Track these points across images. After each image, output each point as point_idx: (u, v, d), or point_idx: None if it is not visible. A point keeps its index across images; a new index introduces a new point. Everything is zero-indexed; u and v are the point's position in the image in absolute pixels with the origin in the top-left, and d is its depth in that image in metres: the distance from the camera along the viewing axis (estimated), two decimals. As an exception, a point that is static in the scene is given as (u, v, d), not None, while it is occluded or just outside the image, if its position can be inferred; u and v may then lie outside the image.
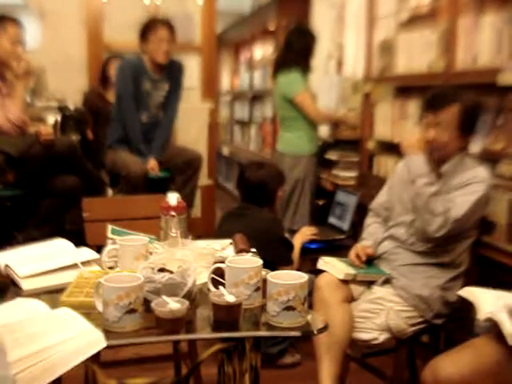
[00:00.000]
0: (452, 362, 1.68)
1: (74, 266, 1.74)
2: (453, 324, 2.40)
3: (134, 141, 3.86)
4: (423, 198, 2.24)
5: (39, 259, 1.80)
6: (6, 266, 1.77)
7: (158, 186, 3.71)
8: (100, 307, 1.43)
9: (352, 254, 2.45)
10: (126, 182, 3.75)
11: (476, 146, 2.55)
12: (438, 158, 2.33)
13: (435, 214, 2.20)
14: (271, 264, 1.78)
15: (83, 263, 1.76)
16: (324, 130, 4.37)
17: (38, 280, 1.69)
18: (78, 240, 2.10)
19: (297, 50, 3.96)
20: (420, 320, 2.30)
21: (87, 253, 1.88)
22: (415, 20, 3.25)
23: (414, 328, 2.29)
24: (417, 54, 3.17)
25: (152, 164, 3.81)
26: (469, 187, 2.23)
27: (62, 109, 4.52)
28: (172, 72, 3.97)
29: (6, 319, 1.39)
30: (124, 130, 3.88)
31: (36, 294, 1.61)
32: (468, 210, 2.20)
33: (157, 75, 3.90)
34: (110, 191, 4.07)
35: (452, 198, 2.22)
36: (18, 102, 3.47)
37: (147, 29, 3.83)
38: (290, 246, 3.00)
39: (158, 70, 3.89)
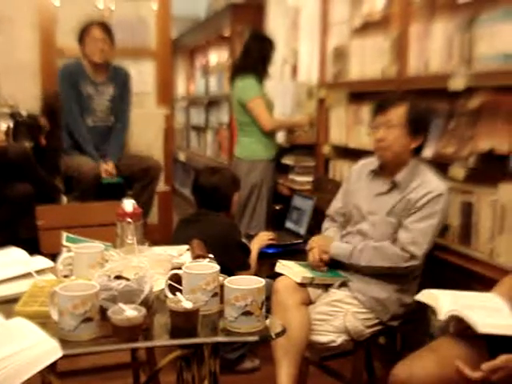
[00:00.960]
0: (418, 368, 1.67)
1: (28, 274, 1.71)
2: (409, 325, 2.45)
3: (83, 144, 3.89)
4: (372, 259, 2.30)
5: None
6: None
7: (112, 193, 3.68)
8: (55, 316, 1.40)
9: (312, 256, 2.45)
10: (78, 184, 3.73)
11: (429, 150, 2.60)
12: (388, 160, 2.37)
13: (393, 258, 2.26)
14: (228, 269, 1.78)
15: (37, 272, 1.73)
16: (280, 136, 4.40)
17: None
18: (33, 248, 2.07)
19: (254, 56, 3.99)
20: (377, 322, 2.33)
21: (41, 261, 1.85)
22: (368, 27, 3.31)
23: (370, 330, 2.32)
24: (370, 60, 3.22)
25: (107, 166, 3.80)
26: (427, 208, 2.25)
27: (14, 115, 4.43)
28: (117, 77, 4.05)
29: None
30: (71, 134, 3.93)
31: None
32: (432, 235, 2.26)
33: (98, 78, 3.97)
34: (64, 198, 4.01)
35: (412, 225, 2.25)
36: None
37: (83, 32, 3.99)
38: (247, 251, 3.01)
39: (98, 73, 3.98)
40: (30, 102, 4.68)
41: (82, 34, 3.99)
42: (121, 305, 1.41)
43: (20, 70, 4.76)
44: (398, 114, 2.30)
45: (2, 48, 4.87)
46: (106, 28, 4.01)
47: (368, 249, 2.32)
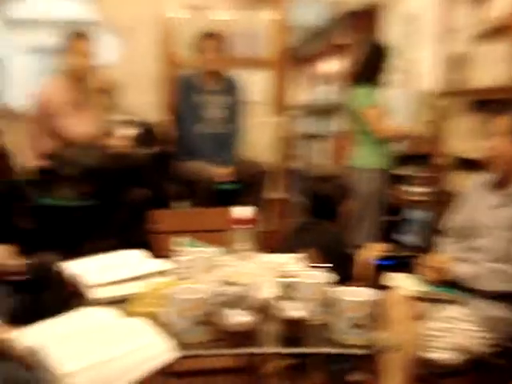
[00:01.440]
0: None
1: (144, 276, 1.77)
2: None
3: (196, 151, 3.99)
4: None
5: (109, 269, 1.83)
6: (76, 275, 1.81)
7: (226, 199, 3.74)
8: (169, 318, 1.44)
9: (430, 274, 2.36)
10: (192, 190, 3.83)
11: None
12: (501, 170, 2.26)
13: None
14: (337, 280, 1.75)
15: (152, 274, 1.78)
16: (396, 145, 4.30)
17: (107, 289, 1.72)
18: (146, 251, 2.13)
19: (371, 65, 3.96)
20: (493, 342, 2.20)
21: (157, 264, 1.90)
22: (491, 32, 3.16)
23: (487, 350, 2.20)
24: (493, 67, 3.07)
25: (221, 172, 3.87)
26: None
27: (136, 122, 4.63)
28: (230, 86, 4.15)
29: (74, 328, 1.42)
30: (185, 142, 4.05)
31: (105, 303, 1.64)
32: None
33: (212, 88, 4.08)
34: (178, 204, 4.13)
35: None
36: (93, 117, 3.59)
37: (199, 42, 4.10)
38: (352, 262, 2.95)
39: (212, 82, 4.08)
40: (150, 110, 4.89)
41: (198, 45, 4.12)
42: (232, 310, 1.42)
43: (142, 80, 4.98)
44: (509, 122, 2.20)
45: (126, 59, 5.13)
46: (219, 38, 4.13)
47: (494, 272, 2.21)
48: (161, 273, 1.85)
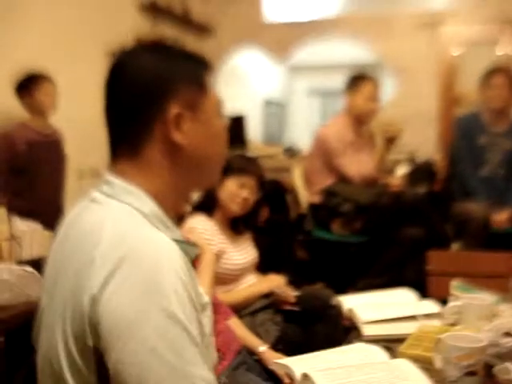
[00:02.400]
0: None
1: (414, 317, 1.74)
2: None
3: (473, 194, 3.79)
4: None
5: (381, 307, 1.84)
6: (350, 309, 1.85)
7: (502, 243, 3.50)
8: (439, 364, 1.39)
9: None
10: (466, 231, 3.65)
11: None
12: None
13: None
14: None
15: (424, 316, 1.74)
16: None
17: (378, 327, 1.73)
18: (418, 291, 2.09)
19: None
20: None
21: (429, 306, 1.86)
22: None
23: None
24: None
25: (501, 216, 3.63)
26: None
27: (412, 160, 4.62)
28: None
29: (345, 361, 1.45)
30: (462, 183, 3.87)
31: (375, 340, 1.64)
32: None
33: (496, 129, 3.80)
34: (454, 245, 3.98)
35: None
36: (375, 161, 3.66)
37: (484, 78, 3.85)
38: None
39: (497, 122, 3.80)
40: (427, 148, 4.83)
41: (483, 81, 3.91)
42: (508, 364, 1.32)
43: (419, 118, 4.96)
44: None
45: (403, 98, 5.16)
46: (508, 74, 3.87)
47: None
48: (432, 315, 1.80)
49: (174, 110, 1.02)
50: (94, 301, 0.88)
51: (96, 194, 1.04)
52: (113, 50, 1.11)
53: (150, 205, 1.02)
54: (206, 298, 1.03)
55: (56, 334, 0.94)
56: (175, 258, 0.93)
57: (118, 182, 1.03)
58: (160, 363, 0.85)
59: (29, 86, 3.59)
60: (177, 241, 0.97)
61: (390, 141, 3.65)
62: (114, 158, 1.07)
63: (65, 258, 1.00)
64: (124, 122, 1.06)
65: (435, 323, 1.76)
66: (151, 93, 1.03)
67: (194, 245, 1.06)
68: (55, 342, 0.94)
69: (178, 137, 1.03)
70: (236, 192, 2.28)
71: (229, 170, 2.25)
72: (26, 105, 3.64)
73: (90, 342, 0.89)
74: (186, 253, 0.97)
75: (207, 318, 1.01)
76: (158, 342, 0.85)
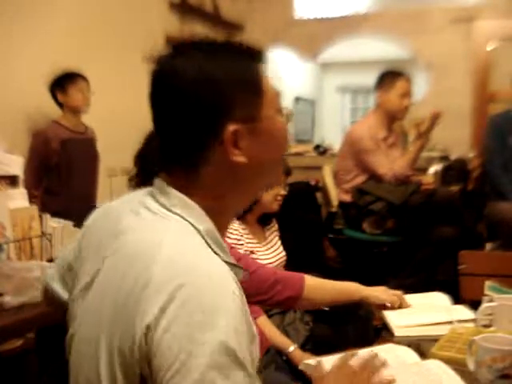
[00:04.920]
0: None
1: (448, 321, 1.71)
2: None
3: (506, 193, 3.71)
4: None
5: (414, 311, 1.80)
6: (381, 313, 1.82)
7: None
8: (471, 366, 1.36)
9: None
10: (500, 231, 3.59)
11: None
12: None
13: None
14: None
15: (457, 319, 1.71)
16: None
17: (410, 328, 1.70)
18: (451, 292, 2.06)
19: None
20: None
21: (463, 312, 1.81)
22: None
23: None
24: None
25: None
26: None
27: (444, 159, 4.55)
28: None
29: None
30: (494, 184, 3.79)
31: (408, 341, 1.62)
32: None
33: None
34: (488, 245, 3.91)
35: None
36: (408, 159, 3.61)
37: None
38: None
39: None
40: (460, 146, 4.76)
41: None
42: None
43: (452, 115, 4.88)
44: None
45: (434, 95, 5.08)
46: None
47: None
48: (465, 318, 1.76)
49: (230, 127, 0.95)
50: (149, 329, 0.83)
51: (150, 202, 1.00)
52: (151, 54, 1.01)
53: (206, 223, 0.96)
54: (255, 328, 0.97)
55: (100, 347, 0.91)
56: (233, 286, 0.88)
57: (176, 194, 0.98)
58: None
59: (63, 83, 3.64)
60: (228, 263, 0.93)
61: (422, 134, 3.58)
62: (168, 170, 1.01)
63: (112, 267, 0.96)
64: (176, 139, 0.99)
65: (468, 325, 1.72)
66: (204, 111, 0.95)
67: (241, 267, 1.01)
68: (97, 354, 0.91)
69: (236, 156, 0.96)
70: (277, 191, 2.29)
71: None
72: (60, 103, 3.69)
73: (137, 367, 0.86)
74: (236, 276, 0.92)
75: (257, 347, 0.95)
76: (213, 377, 0.80)
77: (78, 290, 1.03)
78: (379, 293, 1.82)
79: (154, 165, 1.93)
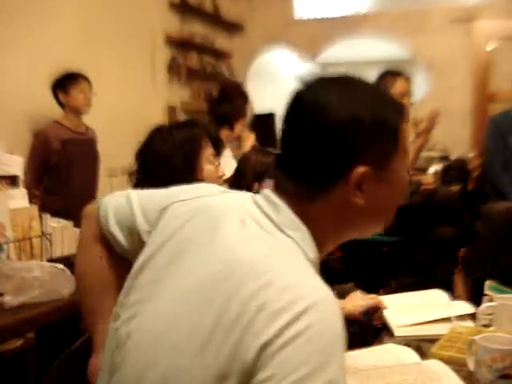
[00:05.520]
0: None
1: (447, 318, 1.71)
2: None
3: (506, 194, 3.71)
4: None
5: (414, 309, 1.81)
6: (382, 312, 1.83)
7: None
8: (471, 366, 1.36)
9: None
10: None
11: None
12: None
13: None
14: None
15: (457, 317, 1.71)
16: None
17: (410, 328, 1.70)
18: (450, 291, 2.06)
19: None
20: None
21: (462, 307, 1.82)
22: None
23: None
24: None
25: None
26: None
27: (444, 159, 4.55)
28: None
29: (376, 362, 1.43)
30: (494, 184, 3.80)
31: (407, 341, 1.62)
32: None
33: None
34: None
35: None
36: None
37: None
38: None
39: None
40: (460, 146, 4.75)
41: None
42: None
43: (452, 115, 4.88)
44: None
45: (434, 95, 5.08)
46: None
47: None
48: (465, 317, 1.76)
49: (360, 169, 0.95)
50: (261, 349, 0.82)
51: (257, 213, 0.98)
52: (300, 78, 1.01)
53: (313, 250, 0.97)
54: None
55: (191, 353, 0.88)
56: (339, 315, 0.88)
57: (289, 214, 0.97)
58: None
59: (65, 84, 3.64)
60: None
61: (421, 134, 3.58)
62: (280, 186, 1.00)
63: (210, 274, 0.92)
64: (303, 165, 0.98)
65: (468, 324, 1.72)
66: (342, 149, 0.95)
67: None
68: (185, 360, 0.88)
69: (356, 198, 0.97)
70: None
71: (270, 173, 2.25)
72: (62, 103, 3.69)
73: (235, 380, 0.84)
74: None
75: None
76: None
77: (152, 270, 1.00)
78: (357, 300, 1.83)
79: (154, 163, 1.93)
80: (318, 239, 0.98)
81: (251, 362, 0.82)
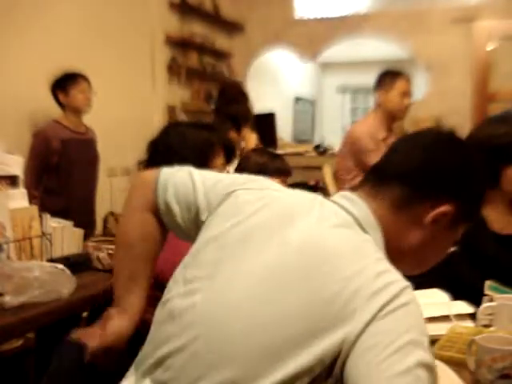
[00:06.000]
0: None
1: (447, 318, 1.70)
2: None
3: None
4: None
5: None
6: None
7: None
8: (472, 366, 1.35)
9: None
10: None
11: None
12: None
13: None
14: None
15: (457, 317, 1.70)
16: None
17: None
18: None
19: None
20: None
21: (462, 306, 1.82)
22: None
23: None
24: None
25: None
26: None
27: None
28: None
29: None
30: None
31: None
32: None
33: None
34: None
35: None
36: None
37: None
38: None
39: None
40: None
41: None
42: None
43: (452, 115, 4.88)
44: None
45: (434, 95, 5.08)
46: None
47: None
48: (465, 316, 1.76)
49: (445, 207, 1.05)
50: (349, 340, 0.86)
51: (333, 206, 1.04)
52: None
53: (382, 252, 1.01)
54: None
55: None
56: None
57: (363, 207, 1.04)
58: None
59: (65, 84, 3.64)
60: None
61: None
62: (368, 187, 1.08)
63: (293, 261, 0.96)
64: (407, 179, 1.07)
65: (468, 324, 1.72)
66: (446, 180, 1.06)
67: None
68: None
69: (429, 227, 1.05)
70: None
71: (275, 171, 2.26)
72: (61, 103, 3.69)
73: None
74: None
75: None
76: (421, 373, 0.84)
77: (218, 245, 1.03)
78: None
79: (164, 155, 1.92)
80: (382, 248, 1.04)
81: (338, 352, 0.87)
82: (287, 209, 1.04)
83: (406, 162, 1.09)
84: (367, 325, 0.86)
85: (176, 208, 1.16)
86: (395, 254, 1.05)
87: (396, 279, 0.92)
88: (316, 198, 1.07)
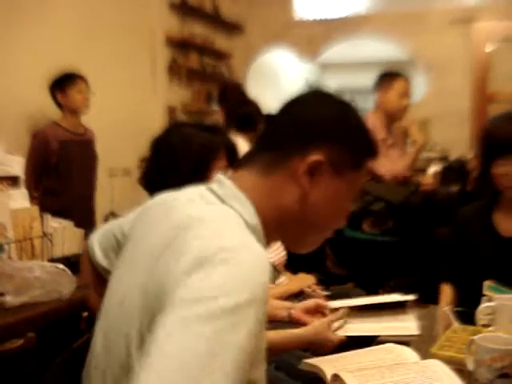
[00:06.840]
0: None
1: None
2: None
3: None
4: None
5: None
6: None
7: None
8: (471, 366, 1.36)
9: None
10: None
11: None
12: None
13: None
14: None
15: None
16: None
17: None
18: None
19: None
20: None
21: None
22: None
23: None
24: None
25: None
26: None
27: (443, 159, 4.55)
28: None
29: (376, 362, 1.43)
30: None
31: (406, 340, 1.62)
32: None
33: None
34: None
35: None
36: (407, 161, 3.62)
37: None
38: None
39: None
40: (459, 146, 4.76)
41: None
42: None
43: (450, 116, 4.89)
44: None
45: (434, 95, 5.09)
46: None
47: None
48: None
49: (315, 156, 1.05)
50: (175, 283, 0.87)
51: (205, 192, 1.07)
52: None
53: (254, 217, 1.03)
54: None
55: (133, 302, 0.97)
56: (267, 272, 0.91)
57: (229, 185, 1.06)
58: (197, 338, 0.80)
59: (63, 84, 3.64)
60: None
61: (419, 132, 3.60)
62: (243, 166, 1.10)
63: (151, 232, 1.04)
64: (272, 144, 1.10)
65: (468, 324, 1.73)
66: (305, 132, 1.08)
67: (278, 271, 1.07)
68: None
69: (304, 180, 1.05)
70: None
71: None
72: (60, 103, 3.69)
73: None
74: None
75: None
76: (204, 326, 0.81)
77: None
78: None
79: (165, 154, 1.92)
80: (266, 218, 1.04)
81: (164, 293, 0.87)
82: (167, 203, 1.10)
83: (270, 131, 1.14)
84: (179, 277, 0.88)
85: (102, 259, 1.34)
86: (284, 218, 1.07)
87: (223, 247, 0.89)
88: (198, 188, 1.10)
